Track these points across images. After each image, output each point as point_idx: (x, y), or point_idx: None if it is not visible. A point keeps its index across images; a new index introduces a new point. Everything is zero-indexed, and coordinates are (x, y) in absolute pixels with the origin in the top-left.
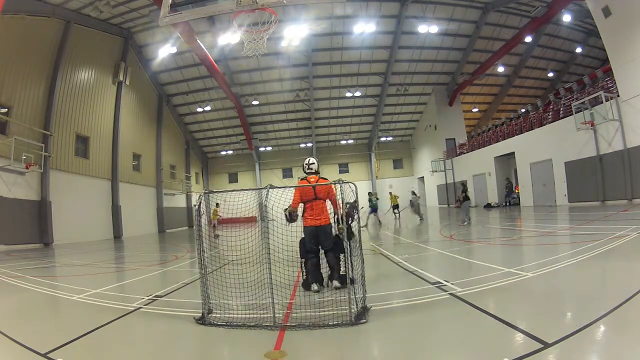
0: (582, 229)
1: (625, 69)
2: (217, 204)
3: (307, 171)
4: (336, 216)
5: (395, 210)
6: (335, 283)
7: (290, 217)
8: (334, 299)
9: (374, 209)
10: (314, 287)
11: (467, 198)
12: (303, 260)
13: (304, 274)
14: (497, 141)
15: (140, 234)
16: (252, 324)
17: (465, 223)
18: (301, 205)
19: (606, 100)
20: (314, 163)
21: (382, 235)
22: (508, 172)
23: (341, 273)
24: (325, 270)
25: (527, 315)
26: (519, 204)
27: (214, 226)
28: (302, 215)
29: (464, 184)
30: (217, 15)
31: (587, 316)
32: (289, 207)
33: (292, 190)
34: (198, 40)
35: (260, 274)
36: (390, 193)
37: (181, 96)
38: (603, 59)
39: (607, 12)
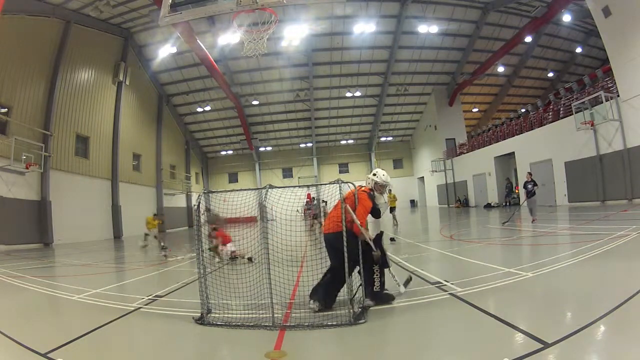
0: (582, 229)
1: (625, 69)
2: (155, 214)
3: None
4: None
5: (393, 213)
6: (367, 301)
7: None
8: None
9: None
10: (311, 303)
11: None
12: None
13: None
14: (497, 141)
15: (141, 234)
16: (252, 324)
17: (535, 220)
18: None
19: (606, 100)
20: (369, 177)
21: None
22: (508, 172)
23: (375, 289)
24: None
25: (527, 315)
26: (519, 203)
27: (155, 237)
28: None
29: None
30: (217, 15)
31: (587, 316)
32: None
33: (292, 190)
34: (198, 40)
35: (260, 274)
36: (390, 191)
37: (181, 96)
38: (603, 59)
39: (607, 12)
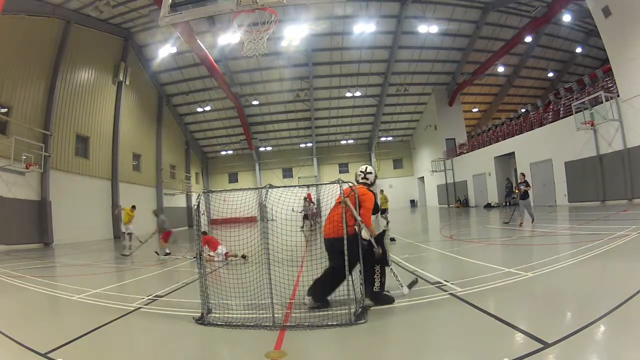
0: (582, 229)
1: (625, 69)
2: (134, 207)
3: (362, 180)
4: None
5: (384, 215)
6: (367, 301)
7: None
8: (332, 299)
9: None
10: (307, 300)
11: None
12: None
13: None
14: (497, 141)
15: (140, 234)
16: (252, 324)
17: (521, 220)
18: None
19: (606, 100)
20: (370, 172)
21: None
22: (508, 172)
23: (375, 289)
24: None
25: (527, 315)
26: (518, 204)
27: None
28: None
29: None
30: (217, 15)
31: (587, 316)
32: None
33: (292, 190)
34: (198, 40)
35: (260, 274)
36: (382, 192)
37: (181, 96)
38: (603, 59)
39: (607, 12)
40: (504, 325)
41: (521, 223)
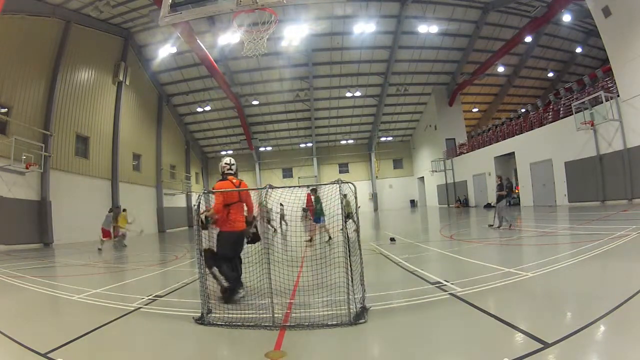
0: (582, 229)
1: (625, 69)
2: (124, 210)
3: (228, 172)
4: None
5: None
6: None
7: (207, 223)
8: (332, 299)
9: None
10: (242, 292)
11: (503, 196)
12: (214, 269)
13: (223, 282)
14: (497, 141)
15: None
16: (252, 324)
17: (503, 226)
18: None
19: (606, 100)
20: (234, 164)
21: (382, 236)
22: (508, 172)
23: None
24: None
25: (527, 315)
26: (519, 204)
27: (123, 235)
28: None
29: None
30: (217, 15)
31: (587, 316)
32: (209, 212)
33: (292, 190)
34: (198, 40)
35: (260, 274)
36: (346, 196)
37: (181, 96)
38: (603, 59)
39: (607, 12)
40: (504, 325)
41: (500, 224)
